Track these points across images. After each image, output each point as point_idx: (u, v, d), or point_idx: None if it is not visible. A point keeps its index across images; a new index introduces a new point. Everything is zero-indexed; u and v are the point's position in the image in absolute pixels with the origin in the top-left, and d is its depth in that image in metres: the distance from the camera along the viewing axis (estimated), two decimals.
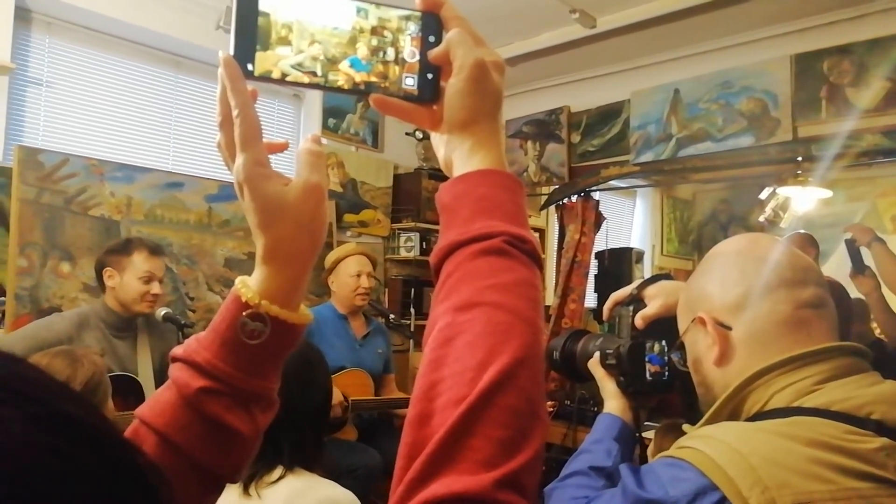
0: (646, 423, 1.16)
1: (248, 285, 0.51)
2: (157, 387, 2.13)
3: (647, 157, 3.32)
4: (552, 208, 3.84)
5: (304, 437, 1.20)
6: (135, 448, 0.31)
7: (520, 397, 0.40)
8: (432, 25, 0.52)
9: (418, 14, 0.52)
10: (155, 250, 2.23)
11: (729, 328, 0.81)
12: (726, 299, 0.82)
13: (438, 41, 0.51)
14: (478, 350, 0.41)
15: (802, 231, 2.96)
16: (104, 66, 2.91)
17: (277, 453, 1.16)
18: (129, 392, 2.04)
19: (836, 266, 2.99)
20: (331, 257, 2.84)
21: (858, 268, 2.53)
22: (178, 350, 0.52)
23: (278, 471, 1.15)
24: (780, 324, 0.78)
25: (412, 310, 3.62)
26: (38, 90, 2.72)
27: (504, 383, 0.40)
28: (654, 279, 1.07)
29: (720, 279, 0.84)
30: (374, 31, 0.51)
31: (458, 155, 0.50)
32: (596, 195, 3.63)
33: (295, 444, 1.17)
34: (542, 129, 3.78)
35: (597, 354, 1.09)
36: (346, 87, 0.51)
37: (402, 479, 0.39)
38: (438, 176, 3.63)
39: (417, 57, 0.52)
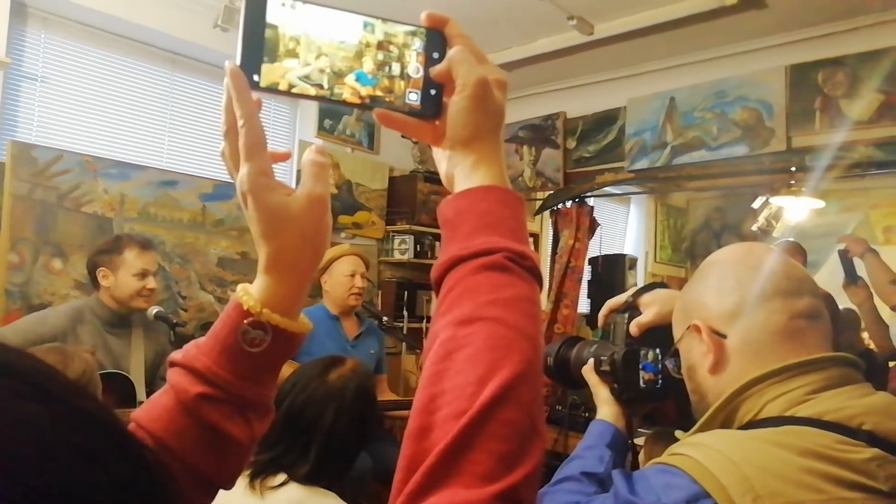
0: (638, 431, 1.16)
1: (250, 293, 0.51)
2: (147, 384, 2.13)
3: (641, 164, 3.33)
4: (546, 213, 3.85)
5: (331, 458, 1.22)
6: (146, 446, 0.31)
7: (520, 412, 0.40)
8: (436, 42, 0.52)
9: (424, 30, 0.52)
10: (146, 245, 2.23)
11: (724, 336, 0.81)
12: (722, 307, 0.83)
13: (442, 58, 0.52)
14: (478, 364, 0.41)
15: (791, 239, 2.98)
16: (100, 63, 2.89)
17: (301, 463, 1.17)
18: (120, 390, 2.02)
19: (828, 276, 3.01)
20: (325, 256, 2.82)
21: (852, 278, 2.56)
22: (176, 355, 0.52)
23: (281, 476, 1.16)
24: (775, 333, 0.78)
25: (405, 312, 3.61)
26: (33, 85, 2.70)
27: (504, 398, 0.40)
28: (650, 287, 1.07)
29: (716, 287, 0.85)
30: (381, 45, 0.52)
31: (461, 171, 0.51)
32: (590, 201, 3.64)
33: (321, 463, 1.19)
34: (538, 134, 3.79)
35: (591, 361, 1.08)
36: (351, 100, 0.51)
37: (402, 491, 0.39)
38: (434, 179, 3.62)
39: (421, 73, 0.52)
